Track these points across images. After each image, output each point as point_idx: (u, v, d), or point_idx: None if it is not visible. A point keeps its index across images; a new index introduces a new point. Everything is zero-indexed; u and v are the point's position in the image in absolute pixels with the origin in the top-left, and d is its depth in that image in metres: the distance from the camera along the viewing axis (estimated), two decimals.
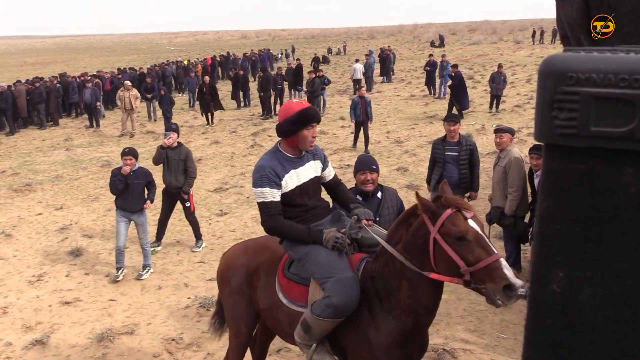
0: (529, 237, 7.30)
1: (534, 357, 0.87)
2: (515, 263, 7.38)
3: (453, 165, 7.79)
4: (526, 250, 7.68)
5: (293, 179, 3.78)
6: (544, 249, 0.85)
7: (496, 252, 3.12)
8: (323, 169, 4.04)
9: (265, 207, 3.72)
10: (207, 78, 21.26)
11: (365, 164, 4.76)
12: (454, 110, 19.17)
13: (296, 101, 3.88)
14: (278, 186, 3.70)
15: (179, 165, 8.59)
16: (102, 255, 8.80)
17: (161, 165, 8.71)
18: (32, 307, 7.10)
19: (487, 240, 3.17)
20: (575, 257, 0.83)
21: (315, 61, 35.44)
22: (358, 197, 4.52)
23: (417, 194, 3.40)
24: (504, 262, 3.09)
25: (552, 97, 0.82)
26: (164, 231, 9.05)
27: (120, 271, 7.75)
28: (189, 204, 8.76)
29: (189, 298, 7.15)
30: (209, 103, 20.19)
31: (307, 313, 3.63)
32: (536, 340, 0.87)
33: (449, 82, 20.03)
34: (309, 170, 3.89)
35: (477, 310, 6.56)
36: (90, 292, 7.52)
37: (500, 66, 20.65)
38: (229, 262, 4.43)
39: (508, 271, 3.04)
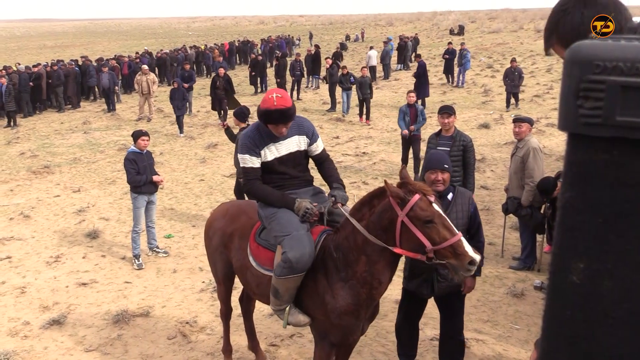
0: (545, 228, 7.24)
1: (552, 348, 0.86)
2: (530, 254, 7.34)
3: None
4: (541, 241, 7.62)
5: (272, 151, 4.08)
6: (565, 240, 0.84)
7: (458, 232, 3.48)
8: (310, 144, 4.22)
9: (245, 172, 4.12)
10: (221, 70, 17.99)
11: (436, 162, 4.47)
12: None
13: (271, 96, 3.90)
14: (257, 154, 4.06)
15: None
16: (119, 237, 8.90)
17: None
18: (50, 288, 7.21)
19: (449, 221, 3.52)
20: (596, 249, 0.82)
21: (336, 56, 27.53)
22: None
23: (385, 182, 3.64)
24: (465, 241, 3.46)
25: (577, 86, 0.80)
26: None
27: (140, 258, 7.85)
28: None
29: (203, 282, 7.21)
30: (221, 99, 17.56)
31: (272, 278, 3.96)
32: (554, 331, 0.86)
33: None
34: (291, 145, 4.13)
35: (490, 300, 6.54)
36: (107, 274, 7.62)
37: (513, 61, 18.97)
38: (211, 222, 4.93)
39: (469, 248, 3.41)
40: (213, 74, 31.97)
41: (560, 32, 1.54)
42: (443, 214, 3.50)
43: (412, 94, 11.72)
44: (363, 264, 3.73)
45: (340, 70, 19.06)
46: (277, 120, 3.90)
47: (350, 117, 18.50)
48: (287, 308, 4.01)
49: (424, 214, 3.45)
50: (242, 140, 4.11)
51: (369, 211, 3.73)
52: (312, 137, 4.22)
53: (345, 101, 18.83)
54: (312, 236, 3.93)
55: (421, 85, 19.56)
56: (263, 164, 4.09)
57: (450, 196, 4.50)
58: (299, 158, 4.22)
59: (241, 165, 4.12)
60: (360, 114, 17.97)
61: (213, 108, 18.32)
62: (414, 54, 32.92)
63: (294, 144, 4.14)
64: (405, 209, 3.50)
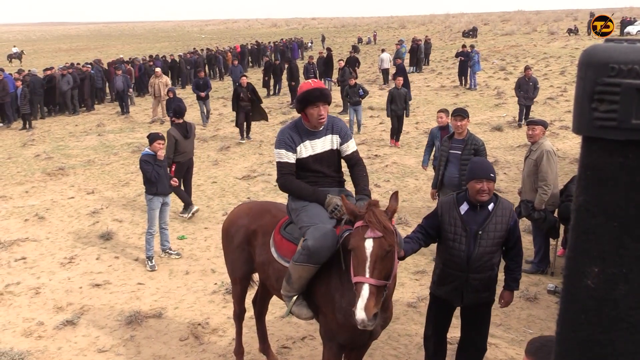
0: (558, 231, 7.19)
1: (566, 353, 0.86)
2: (544, 258, 7.28)
3: (454, 164, 7.10)
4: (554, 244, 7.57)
5: (307, 148, 4.18)
6: (580, 244, 0.83)
7: (367, 276, 3.39)
8: (342, 143, 4.30)
9: (280, 166, 4.20)
10: (244, 80, 15.65)
11: (483, 171, 4.27)
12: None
13: (308, 82, 4.23)
14: (293, 150, 4.15)
15: None
16: (132, 239, 8.95)
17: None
18: (64, 289, 7.26)
19: (367, 263, 3.41)
20: (611, 253, 0.81)
21: (350, 63, 23.64)
22: (465, 205, 4.35)
23: (342, 197, 3.74)
24: (365, 289, 3.36)
25: (592, 89, 0.80)
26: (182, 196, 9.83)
27: (153, 260, 7.88)
28: None
29: (215, 284, 7.24)
30: (247, 112, 15.36)
31: (290, 263, 4.06)
32: (569, 336, 0.85)
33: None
34: (326, 143, 4.23)
35: None
36: (120, 275, 7.66)
37: (528, 69, 16.05)
38: (234, 220, 4.95)
39: (361, 301, 3.34)
40: (226, 77, 32.21)
41: None
42: (366, 253, 3.42)
43: (442, 114, 8.81)
44: None
45: (347, 81, 16.52)
46: (318, 98, 4.03)
47: (362, 120, 17.08)
48: (295, 298, 4.07)
49: (350, 241, 3.52)
50: (279, 136, 4.23)
51: None
52: (345, 137, 4.31)
53: (355, 118, 15.98)
54: (337, 232, 3.96)
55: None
56: (298, 160, 4.18)
57: (491, 207, 4.32)
58: (333, 157, 4.30)
59: (276, 160, 4.24)
60: (392, 136, 14.74)
61: (238, 124, 15.69)
62: (425, 58, 32.87)
63: (329, 142, 4.25)
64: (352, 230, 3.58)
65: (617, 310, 0.82)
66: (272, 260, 4.38)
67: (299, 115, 4.25)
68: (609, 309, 0.82)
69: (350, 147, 4.32)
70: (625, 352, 0.82)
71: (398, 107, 14.00)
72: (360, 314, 3.29)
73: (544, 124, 7.20)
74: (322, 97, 4.05)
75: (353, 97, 15.64)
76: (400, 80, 14.64)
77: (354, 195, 4.27)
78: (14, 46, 55.13)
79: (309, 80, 4.25)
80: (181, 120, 9.73)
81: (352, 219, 3.59)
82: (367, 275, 3.38)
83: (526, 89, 15.49)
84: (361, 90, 15.68)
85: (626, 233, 0.80)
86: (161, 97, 19.03)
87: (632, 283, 0.81)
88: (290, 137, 4.14)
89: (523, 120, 15.67)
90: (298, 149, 4.15)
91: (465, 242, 4.28)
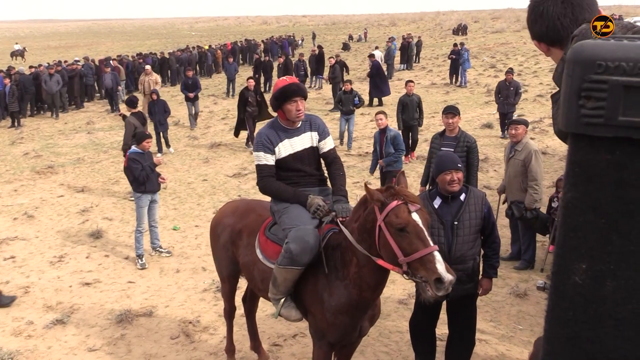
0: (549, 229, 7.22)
1: (554, 350, 0.86)
2: (532, 255, 7.31)
3: None
4: (544, 241, 7.60)
5: (286, 147, 4.15)
6: (567, 240, 0.83)
7: (432, 245, 3.34)
8: (320, 140, 4.29)
9: (259, 169, 4.18)
10: (251, 82, 14.22)
11: (450, 163, 4.44)
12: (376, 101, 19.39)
13: (283, 78, 4.24)
14: (271, 152, 4.12)
15: None
16: (122, 237, 8.90)
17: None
18: (53, 287, 7.22)
19: (426, 233, 3.38)
20: (599, 250, 0.81)
21: (340, 65, 20.84)
22: (438, 199, 4.47)
23: (365, 185, 3.64)
24: (437, 255, 3.30)
25: (579, 86, 0.80)
26: None
27: (143, 258, 7.84)
28: None
29: (205, 282, 7.22)
30: (252, 117, 13.98)
31: (274, 266, 4.03)
32: (557, 333, 0.85)
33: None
34: (305, 141, 4.21)
35: (493, 300, 6.53)
36: (110, 273, 7.62)
37: (509, 72, 14.74)
38: (220, 219, 4.96)
39: (440, 265, 3.26)
40: (216, 75, 32.05)
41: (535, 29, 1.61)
42: (420, 225, 3.37)
43: (381, 116, 8.77)
44: (354, 266, 3.76)
45: (339, 78, 15.20)
46: (295, 93, 4.03)
47: (356, 130, 17.51)
48: (282, 300, 4.07)
49: (397, 221, 3.37)
50: (257, 138, 4.21)
51: (363, 212, 3.70)
52: (322, 134, 4.29)
53: (346, 129, 14.37)
54: (318, 233, 3.93)
55: (376, 85, 19.62)
56: (278, 161, 4.15)
57: (463, 197, 4.46)
58: (313, 155, 4.28)
59: (255, 162, 4.22)
60: (406, 150, 12.12)
61: (237, 133, 14.50)
62: (416, 56, 32.92)
63: (308, 139, 4.22)
64: (383, 214, 3.44)
65: (604, 306, 0.82)
66: (257, 261, 4.36)
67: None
68: (596, 306, 0.82)
69: (328, 144, 4.31)
70: (613, 348, 0.83)
71: (410, 116, 12.42)
72: (448, 276, 3.22)
73: (526, 123, 7.33)
74: (299, 91, 4.06)
75: (347, 104, 14.01)
76: (412, 86, 12.97)
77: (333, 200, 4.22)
78: (16, 43, 54.30)
79: (284, 77, 4.25)
80: (136, 110, 10.52)
81: (381, 202, 3.47)
82: (431, 243, 3.34)
83: (506, 94, 14.21)
84: (357, 98, 14.05)
85: (614, 230, 0.80)
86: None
87: (619, 279, 0.81)
88: (267, 139, 4.11)
89: (506, 132, 12.99)
90: (277, 149, 4.11)
91: (444, 235, 4.38)
